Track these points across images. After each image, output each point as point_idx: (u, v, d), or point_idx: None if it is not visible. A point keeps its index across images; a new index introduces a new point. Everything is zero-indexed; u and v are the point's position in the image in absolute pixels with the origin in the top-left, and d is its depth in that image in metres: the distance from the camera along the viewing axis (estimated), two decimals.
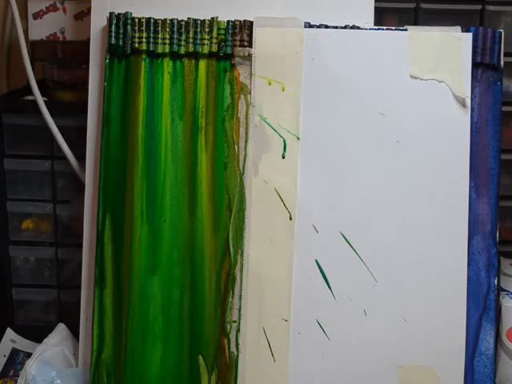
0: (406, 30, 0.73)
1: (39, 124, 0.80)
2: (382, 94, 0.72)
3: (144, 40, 0.73)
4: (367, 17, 0.75)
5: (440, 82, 0.72)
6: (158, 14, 0.73)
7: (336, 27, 0.73)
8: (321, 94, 0.72)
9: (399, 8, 0.81)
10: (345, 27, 0.73)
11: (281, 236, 0.72)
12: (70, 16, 0.83)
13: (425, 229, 0.72)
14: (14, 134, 0.82)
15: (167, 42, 0.73)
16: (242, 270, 0.72)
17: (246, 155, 0.73)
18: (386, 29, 0.73)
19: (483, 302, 0.72)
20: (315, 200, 0.72)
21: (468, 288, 0.72)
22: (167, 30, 0.73)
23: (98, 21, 0.75)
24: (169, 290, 0.72)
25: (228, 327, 0.72)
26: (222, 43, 0.73)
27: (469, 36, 0.72)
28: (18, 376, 0.75)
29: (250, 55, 0.73)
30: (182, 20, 0.73)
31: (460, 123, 0.72)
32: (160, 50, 0.73)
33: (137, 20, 0.73)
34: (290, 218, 0.72)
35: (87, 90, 0.76)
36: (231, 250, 0.72)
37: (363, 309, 0.72)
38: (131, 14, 0.74)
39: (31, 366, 0.75)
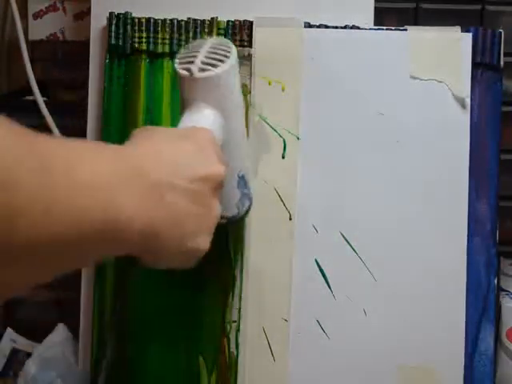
0: (406, 29, 0.73)
1: (39, 124, 0.80)
2: (382, 93, 0.72)
3: (144, 40, 0.73)
4: (367, 17, 0.75)
5: (440, 82, 0.72)
6: (158, 14, 0.73)
7: (336, 27, 0.73)
8: (321, 94, 0.72)
9: (399, 8, 0.81)
10: (345, 27, 0.73)
11: (281, 236, 0.72)
12: (69, 16, 0.83)
13: (424, 229, 0.72)
14: None
15: (167, 42, 0.73)
16: (242, 270, 0.72)
17: None
18: (386, 29, 0.73)
19: (483, 302, 0.72)
20: (315, 200, 0.72)
21: (468, 288, 0.71)
22: (167, 30, 0.73)
23: (97, 21, 0.75)
24: (168, 290, 0.72)
25: (228, 327, 0.72)
26: None
27: (468, 36, 0.72)
28: (18, 376, 0.75)
29: (249, 55, 0.73)
30: (182, 20, 0.73)
31: (460, 123, 0.72)
32: (160, 50, 0.73)
33: (137, 20, 0.73)
34: (290, 218, 0.72)
35: (87, 89, 0.76)
36: (231, 250, 0.72)
37: (363, 309, 0.72)
38: (131, 14, 0.74)
39: (31, 366, 0.75)
